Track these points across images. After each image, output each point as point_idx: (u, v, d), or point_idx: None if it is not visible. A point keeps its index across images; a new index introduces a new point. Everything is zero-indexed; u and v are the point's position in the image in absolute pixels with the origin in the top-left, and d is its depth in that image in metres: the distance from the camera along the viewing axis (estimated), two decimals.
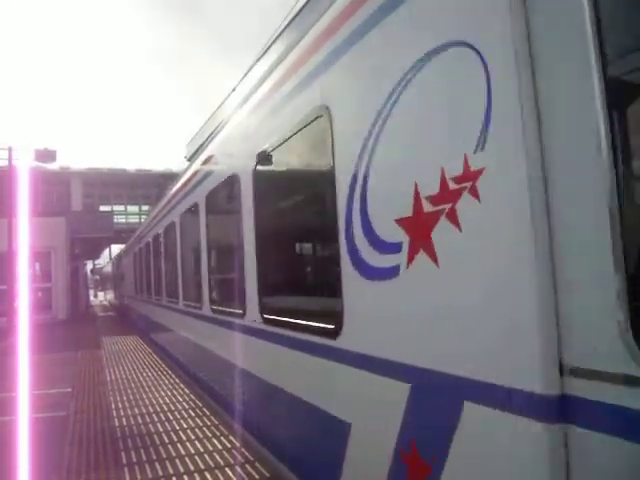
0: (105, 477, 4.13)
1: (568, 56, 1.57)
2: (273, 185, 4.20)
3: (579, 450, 1.54)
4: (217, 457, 4.45)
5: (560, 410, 1.56)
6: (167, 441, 4.95)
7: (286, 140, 3.59)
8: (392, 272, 2.31)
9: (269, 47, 4.65)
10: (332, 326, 2.91)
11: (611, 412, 1.45)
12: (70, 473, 4.24)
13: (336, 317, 2.84)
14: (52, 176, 30.41)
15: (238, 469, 4.15)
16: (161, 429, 5.36)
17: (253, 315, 4.26)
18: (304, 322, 3.38)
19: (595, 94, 1.49)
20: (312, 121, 3.14)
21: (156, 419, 5.75)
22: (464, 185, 1.88)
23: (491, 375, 1.78)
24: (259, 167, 4.12)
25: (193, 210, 6.63)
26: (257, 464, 4.20)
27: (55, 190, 32.58)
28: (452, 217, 1.94)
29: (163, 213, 9.82)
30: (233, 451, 4.57)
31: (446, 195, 1.97)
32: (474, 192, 1.84)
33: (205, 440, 4.92)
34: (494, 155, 1.77)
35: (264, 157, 3.98)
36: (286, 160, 3.90)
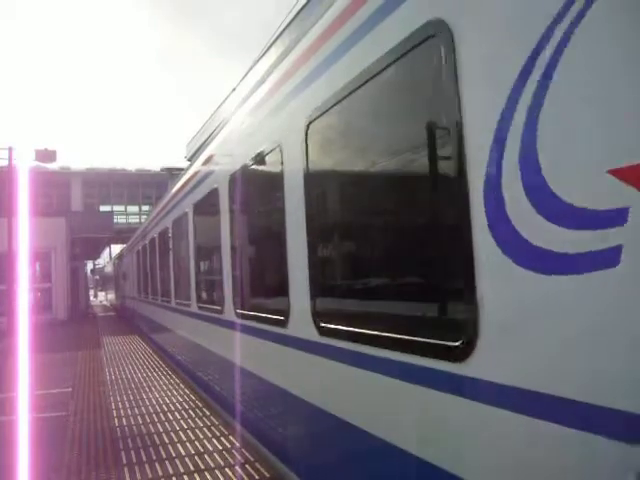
0: (105, 477, 4.13)
1: None
2: (333, 142, 3.08)
3: None
4: (217, 457, 4.45)
5: None
6: (167, 441, 4.95)
7: (366, 81, 2.51)
8: (598, 260, 1.40)
9: None
10: (454, 342, 1.93)
11: None
12: (70, 473, 4.24)
13: (462, 328, 1.90)
14: (52, 176, 30.42)
15: (238, 469, 4.15)
16: (161, 429, 5.36)
17: (301, 322, 3.30)
18: (391, 335, 2.36)
19: None
20: (415, 47, 2.18)
21: (156, 419, 5.75)
22: None
23: None
24: (313, 128, 3.09)
25: (211, 197, 5.76)
26: (257, 464, 4.20)
27: (55, 190, 32.59)
28: None
29: (172, 204, 8.70)
30: (233, 451, 4.57)
31: None
32: None
33: (205, 440, 4.92)
34: None
35: (321, 114, 2.97)
36: (357, 109, 2.74)
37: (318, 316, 3.09)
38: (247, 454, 4.45)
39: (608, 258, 1.39)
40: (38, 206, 19.89)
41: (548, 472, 1.59)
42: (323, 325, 3.03)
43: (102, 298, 52.66)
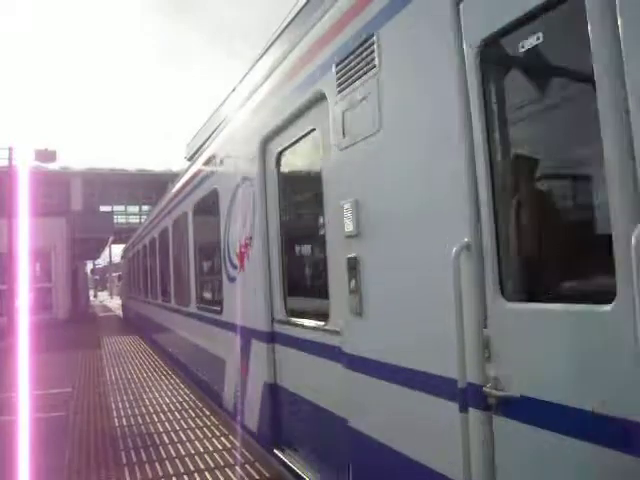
0: (105, 477, 4.13)
1: None
2: None
3: None
4: (217, 457, 4.45)
5: None
6: (167, 441, 4.95)
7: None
8: None
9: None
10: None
11: None
12: (70, 473, 4.24)
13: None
14: (52, 176, 30.45)
15: (238, 469, 4.15)
16: (161, 429, 5.36)
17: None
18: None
19: None
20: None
21: (156, 419, 5.75)
22: None
23: None
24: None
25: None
26: (257, 464, 4.20)
27: (55, 190, 32.61)
28: None
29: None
30: (233, 451, 4.57)
31: None
32: None
33: (205, 440, 4.92)
34: None
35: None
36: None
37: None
38: (247, 454, 4.45)
39: None
40: (38, 206, 19.89)
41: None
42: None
43: (102, 298, 52.67)
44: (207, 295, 6.65)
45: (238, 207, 4.74)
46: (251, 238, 4.36)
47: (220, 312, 5.40)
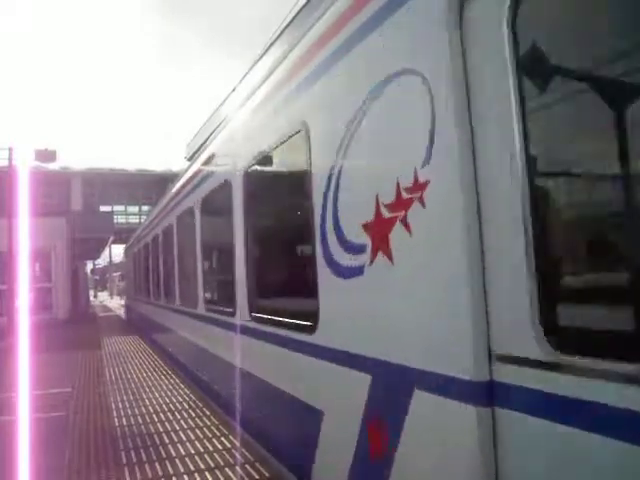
0: (105, 477, 4.13)
1: None
2: None
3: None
4: (217, 457, 4.45)
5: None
6: (167, 441, 4.95)
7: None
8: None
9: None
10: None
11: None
12: (70, 473, 4.24)
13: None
14: (52, 176, 30.48)
15: (238, 469, 4.15)
16: (161, 429, 5.36)
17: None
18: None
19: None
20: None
21: (156, 419, 5.75)
22: None
23: None
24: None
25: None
26: (257, 464, 4.20)
27: (55, 190, 32.62)
28: None
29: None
30: (233, 451, 4.57)
31: None
32: None
33: (205, 440, 4.92)
34: None
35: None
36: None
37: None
38: (247, 454, 4.45)
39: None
40: (38, 206, 19.89)
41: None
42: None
43: (103, 298, 52.71)
44: (277, 300, 4.38)
45: (367, 137, 2.70)
46: (422, 186, 2.22)
47: (311, 331, 3.32)
